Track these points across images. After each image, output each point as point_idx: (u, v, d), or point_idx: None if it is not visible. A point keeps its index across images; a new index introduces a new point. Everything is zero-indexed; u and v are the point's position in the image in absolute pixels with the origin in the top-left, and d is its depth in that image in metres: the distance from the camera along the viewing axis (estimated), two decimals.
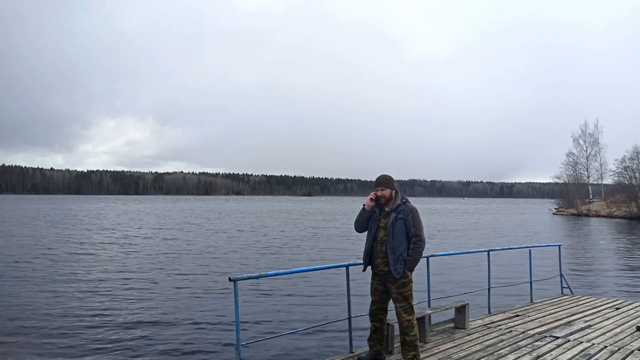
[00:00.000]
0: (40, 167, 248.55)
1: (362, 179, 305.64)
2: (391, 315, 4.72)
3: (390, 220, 4.48)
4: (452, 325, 6.25)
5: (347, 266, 5.23)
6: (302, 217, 50.75)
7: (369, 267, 4.72)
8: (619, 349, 5.25)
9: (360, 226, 4.71)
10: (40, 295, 10.95)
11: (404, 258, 4.41)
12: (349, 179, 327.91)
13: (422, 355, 4.75)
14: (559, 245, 9.38)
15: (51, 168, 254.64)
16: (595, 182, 68.37)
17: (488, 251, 7.70)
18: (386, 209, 4.59)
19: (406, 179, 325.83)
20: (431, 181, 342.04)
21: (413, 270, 4.52)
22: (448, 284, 12.23)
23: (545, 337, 5.76)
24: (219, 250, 20.19)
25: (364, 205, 4.63)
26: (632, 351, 5.16)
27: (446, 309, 6.13)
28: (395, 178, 4.69)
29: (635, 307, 7.63)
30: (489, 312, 7.23)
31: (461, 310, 6.17)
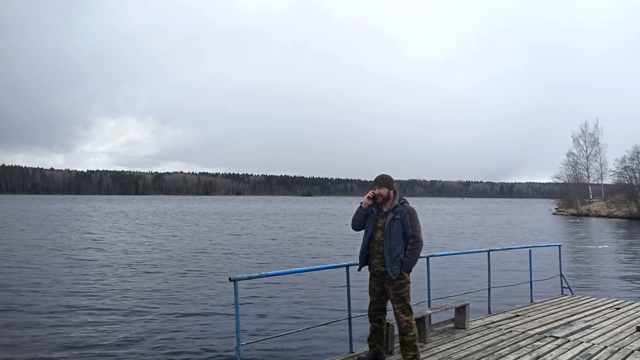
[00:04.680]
0: (40, 167, 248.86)
1: (362, 179, 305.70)
2: (390, 316, 4.72)
3: (387, 220, 4.48)
4: (452, 325, 6.25)
5: (347, 266, 5.23)
6: (302, 217, 50.74)
7: (366, 267, 4.73)
8: (619, 349, 5.25)
9: (356, 224, 4.72)
10: (35, 296, 10.95)
11: (400, 259, 4.41)
12: (349, 179, 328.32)
13: (422, 355, 4.74)
14: (559, 245, 9.38)
15: (51, 168, 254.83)
16: (595, 182, 68.45)
17: (488, 251, 7.69)
18: (384, 209, 4.59)
19: (406, 179, 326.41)
20: (431, 181, 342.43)
21: (410, 272, 4.52)
22: (448, 284, 12.23)
23: (545, 337, 5.75)
24: (218, 250, 20.19)
25: (361, 203, 4.63)
26: (632, 351, 5.16)
27: (446, 309, 6.13)
28: (395, 178, 4.69)
29: (635, 307, 7.62)
30: (489, 312, 7.23)
31: (461, 310, 6.17)
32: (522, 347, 5.30)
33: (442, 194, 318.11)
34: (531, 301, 8.11)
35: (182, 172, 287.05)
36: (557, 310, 7.40)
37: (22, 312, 9.43)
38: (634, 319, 6.73)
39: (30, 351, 7.21)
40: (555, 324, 6.46)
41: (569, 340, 5.58)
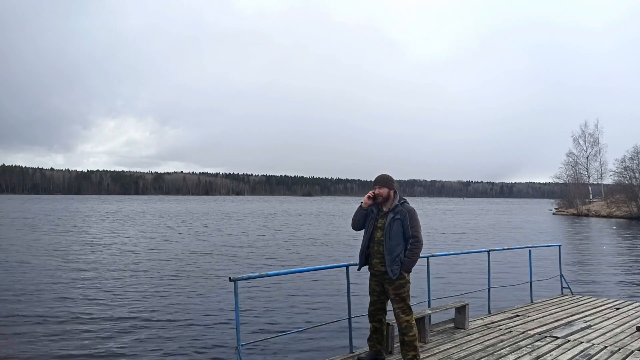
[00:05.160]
0: (40, 167, 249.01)
1: (362, 179, 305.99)
2: (391, 316, 4.72)
3: (387, 220, 4.48)
4: (452, 325, 6.25)
5: (347, 266, 5.23)
6: (302, 218, 50.72)
7: (366, 267, 4.73)
8: (619, 349, 5.25)
9: (356, 224, 4.72)
10: (33, 296, 10.95)
11: (400, 259, 4.41)
12: (349, 179, 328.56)
13: (422, 355, 4.74)
14: (559, 246, 9.38)
15: (51, 168, 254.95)
16: (595, 182, 68.40)
17: (488, 251, 7.69)
18: (384, 209, 4.59)
19: (406, 179, 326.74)
20: (431, 181, 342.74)
21: (410, 272, 4.52)
22: (448, 284, 12.23)
23: (545, 337, 5.75)
24: (218, 250, 20.19)
25: (361, 202, 4.63)
26: (632, 351, 5.16)
27: (446, 309, 6.13)
28: (395, 178, 4.69)
29: (635, 307, 7.63)
30: (489, 312, 7.23)
31: (461, 310, 6.17)
32: (522, 347, 5.30)
33: (442, 194, 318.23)
34: (531, 301, 8.11)
35: (182, 172, 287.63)
36: (557, 310, 7.40)
37: (16, 317, 9.31)
38: (634, 319, 6.73)
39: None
40: (555, 324, 6.46)
41: (569, 340, 5.59)
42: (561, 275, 8.92)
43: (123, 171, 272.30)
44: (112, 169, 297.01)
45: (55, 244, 21.65)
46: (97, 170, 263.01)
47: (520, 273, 13.22)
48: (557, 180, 70.49)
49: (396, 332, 4.79)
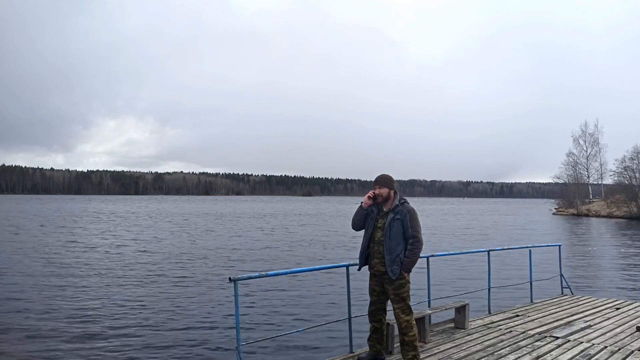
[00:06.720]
0: (40, 167, 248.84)
1: (362, 179, 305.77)
2: (391, 316, 4.72)
3: (387, 220, 4.48)
4: (452, 325, 6.25)
5: (347, 266, 5.23)
6: (302, 218, 50.71)
7: (366, 267, 4.73)
8: (619, 349, 5.25)
9: (356, 224, 4.72)
10: (32, 298, 10.94)
11: (400, 259, 4.41)
12: (349, 179, 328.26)
13: (422, 355, 4.74)
14: (559, 245, 9.38)
15: (51, 168, 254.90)
16: (595, 182, 68.38)
17: (488, 251, 7.69)
18: (384, 209, 4.59)
19: (406, 179, 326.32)
20: (431, 181, 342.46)
21: (410, 272, 4.52)
22: (448, 284, 12.23)
23: (545, 337, 5.75)
24: (218, 251, 20.19)
25: (361, 202, 4.64)
26: (632, 351, 5.16)
27: (446, 309, 6.13)
28: (395, 178, 4.69)
29: (635, 307, 7.63)
30: (489, 312, 7.23)
31: (461, 310, 6.17)
32: (522, 347, 5.30)
33: (442, 194, 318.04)
34: (531, 301, 8.12)
35: (182, 172, 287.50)
36: (557, 310, 7.40)
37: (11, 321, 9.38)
38: (634, 319, 6.73)
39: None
40: (555, 324, 6.46)
41: (569, 340, 5.59)
42: (561, 275, 8.92)
43: (123, 171, 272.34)
44: (112, 169, 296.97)
45: (54, 247, 21.65)
46: (97, 170, 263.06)
47: (520, 273, 13.21)
48: (557, 180, 70.53)
49: (396, 332, 4.79)
